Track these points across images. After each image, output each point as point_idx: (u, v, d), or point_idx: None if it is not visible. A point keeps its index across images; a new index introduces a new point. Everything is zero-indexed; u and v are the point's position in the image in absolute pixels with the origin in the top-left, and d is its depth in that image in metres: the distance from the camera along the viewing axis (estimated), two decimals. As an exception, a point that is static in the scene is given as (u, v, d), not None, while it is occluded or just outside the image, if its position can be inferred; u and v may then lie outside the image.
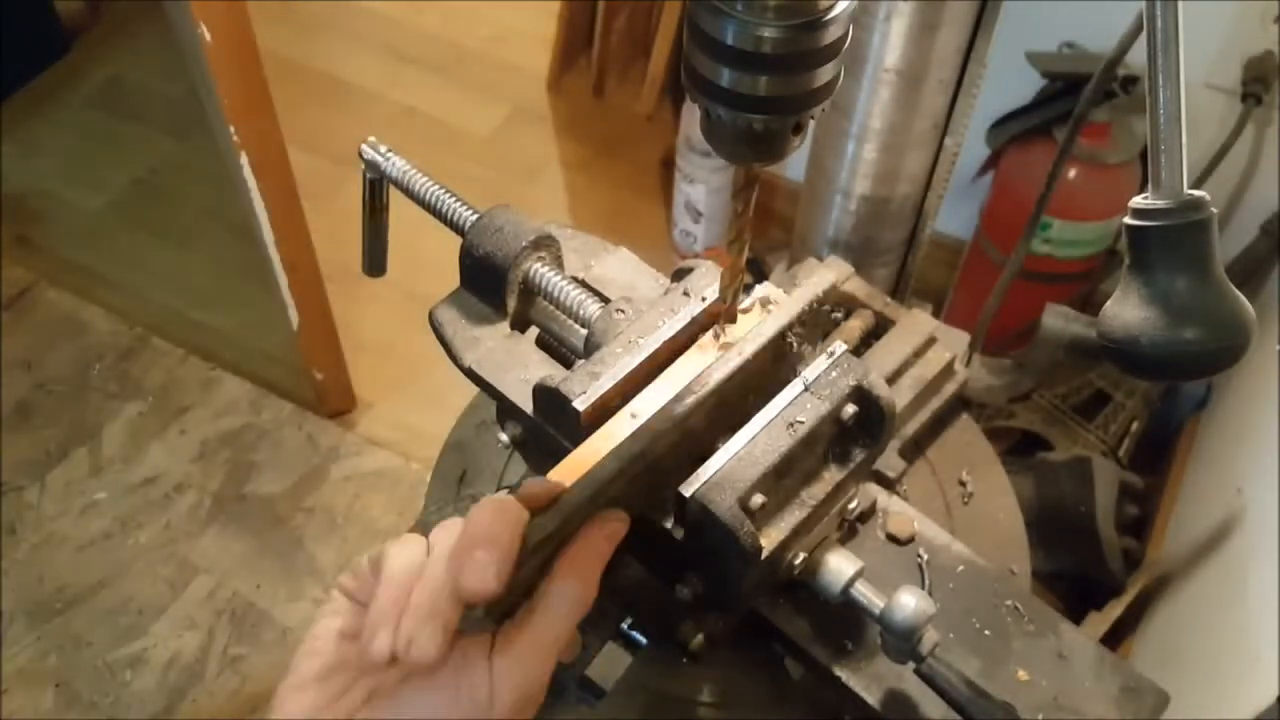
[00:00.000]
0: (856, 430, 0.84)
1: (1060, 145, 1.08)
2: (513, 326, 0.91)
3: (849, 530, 0.96)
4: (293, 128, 1.80)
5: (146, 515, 2.07)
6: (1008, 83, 1.91)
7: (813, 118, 0.64)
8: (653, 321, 0.83)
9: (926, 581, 0.95)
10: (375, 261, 1.05)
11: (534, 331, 0.94)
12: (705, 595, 0.81)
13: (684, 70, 0.64)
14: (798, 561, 0.85)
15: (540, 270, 0.89)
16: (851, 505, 0.90)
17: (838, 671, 0.88)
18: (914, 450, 1.13)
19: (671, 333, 0.83)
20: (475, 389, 0.91)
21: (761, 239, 2.49)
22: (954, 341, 1.16)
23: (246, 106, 1.66)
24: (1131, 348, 0.67)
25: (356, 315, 2.33)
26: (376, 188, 0.98)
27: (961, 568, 0.96)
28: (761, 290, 0.86)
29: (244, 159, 1.71)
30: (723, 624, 0.87)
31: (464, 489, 1.14)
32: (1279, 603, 1.29)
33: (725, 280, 0.81)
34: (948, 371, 1.13)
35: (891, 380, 1.06)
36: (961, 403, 1.18)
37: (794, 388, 0.81)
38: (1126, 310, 0.67)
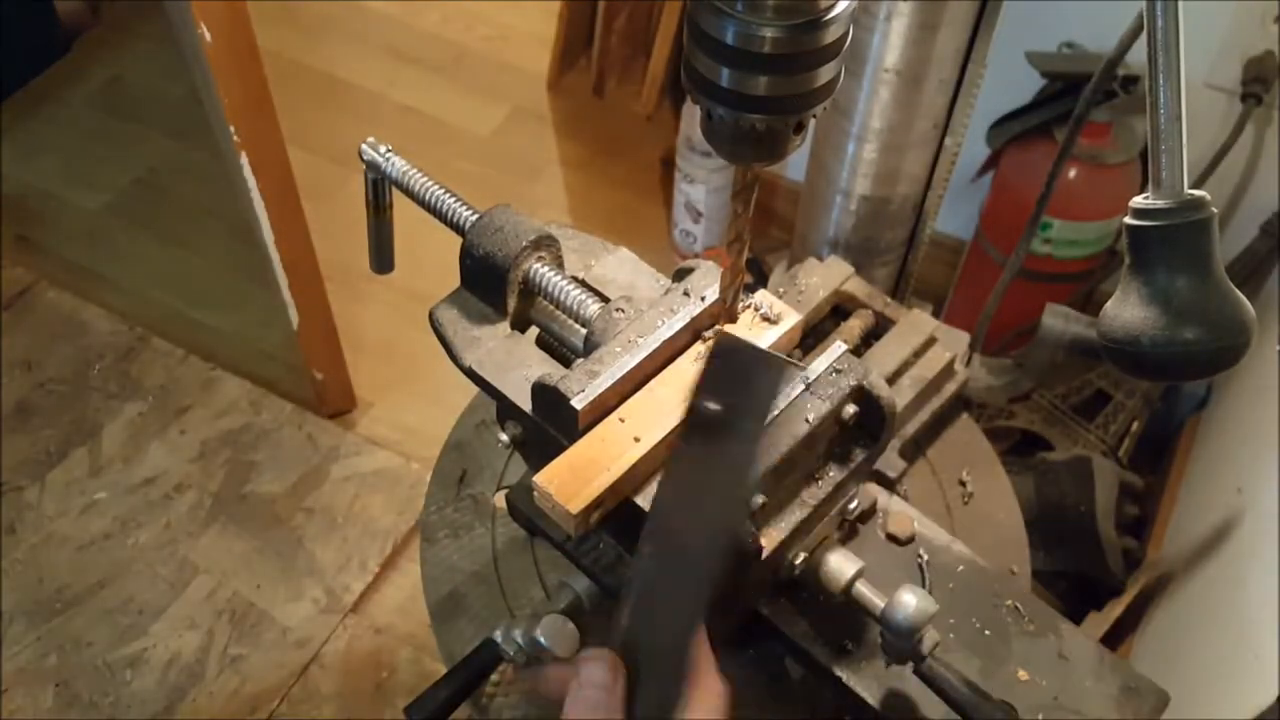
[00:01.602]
0: (857, 430, 0.84)
1: (1060, 145, 1.08)
2: (513, 326, 0.91)
3: (849, 530, 0.96)
4: (293, 128, 1.79)
5: (146, 515, 2.07)
6: (1008, 83, 1.91)
7: (813, 117, 0.64)
8: (652, 321, 0.83)
9: (926, 581, 0.95)
10: (383, 259, 1.05)
11: (534, 331, 0.94)
12: (705, 595, 0.81)
13: (684, 70, 0.64)
14: (798, 561, 0.85)
15: (540, 270, 0.89)
16: (852, 505, 0.90)
17: (838, 671, 0.88)
18: (914, 450, 1.13)
19: (671, 332, 0.83)
20: (475, 389, 0.91)
21: (761, 239, 2.49)
22: (954, 341, 1.16)
23: (246, 106, 1.66)
24: (1132, 348, 0.67)
25: (356, 315, 2.33)
26: (379, 187, 0.98)
27: (961, 568, 0.96)
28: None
29: (244, 159, 1.70)
30: (723, 624, 0.87)
31: (464, 489, 1.14)
32: (1279, 603, 1.28)
33: (725, 280, 0.81)
34: (948, 371, 1.13)
35: (891, 380, 1.06)
36: (961, 403, 1.18)
37: (794, 388, 0.81)
38: (1126, 310, 0.67)
